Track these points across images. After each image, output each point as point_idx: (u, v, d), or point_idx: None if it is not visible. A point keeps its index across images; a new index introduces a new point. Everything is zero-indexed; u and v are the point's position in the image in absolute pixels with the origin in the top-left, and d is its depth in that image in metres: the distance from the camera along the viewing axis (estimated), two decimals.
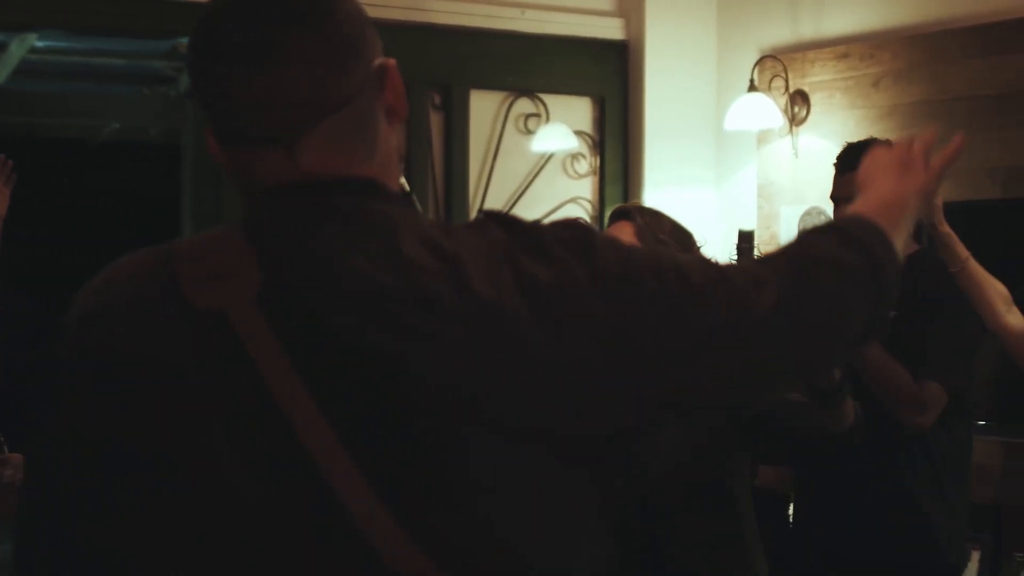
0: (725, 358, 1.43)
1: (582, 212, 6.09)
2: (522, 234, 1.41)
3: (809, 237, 1.58)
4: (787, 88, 5.83)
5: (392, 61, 1.51)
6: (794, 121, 5.80)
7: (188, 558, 1.37)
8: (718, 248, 4.56)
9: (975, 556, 4.28)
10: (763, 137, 5.93)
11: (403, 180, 1.55)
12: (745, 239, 3.48)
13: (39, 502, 1.45)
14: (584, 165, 6.21)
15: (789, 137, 5.79)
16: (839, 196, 3.87)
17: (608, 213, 3.86)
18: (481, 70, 5.95)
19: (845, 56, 5.64)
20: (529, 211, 5.75)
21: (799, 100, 5.80)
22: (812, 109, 5.75)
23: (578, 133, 6.09)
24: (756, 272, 1.47)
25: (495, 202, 5.89)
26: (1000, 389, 3.88)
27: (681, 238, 3.27)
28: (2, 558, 3.33)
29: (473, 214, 5.78)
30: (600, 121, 6.23)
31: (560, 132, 5.95)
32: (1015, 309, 3.60)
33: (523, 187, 6.00)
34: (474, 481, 1.34)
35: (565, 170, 6.15)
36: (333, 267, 1.36)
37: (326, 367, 1.34)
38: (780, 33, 5.97)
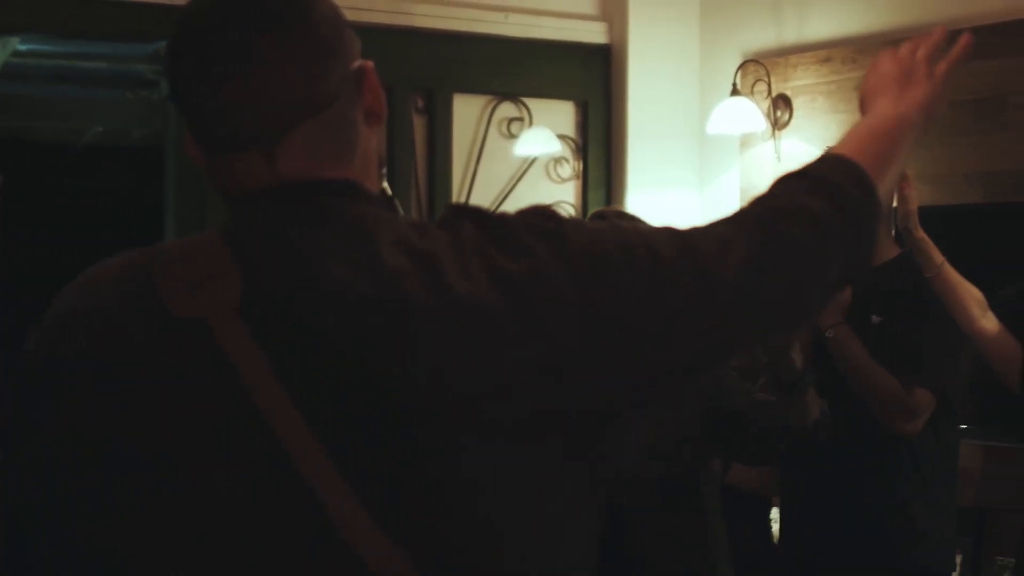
0: (700, 326, 1.42)
1: None
2: (492, 227, 1.40)
3: (778, 187, 1.56)
4: (770, 92, 5.84)
5: (370, 63, 1.50)
6: (777, 125, 5.81)
7: (183, 560, 1.37)
8: None
9: (957, 560, 4.29)
10: (746, 141, 5.94)
11: (386, 184, 1.55)
12: None
13: (33, 502, 1.44)
14: (567, 169, 6.21)
15: (772, 141, 5.80)
16: None
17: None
18: (464, 74, 5.95)
19: (827, 60, 5.66)
20: None
21: (782, 104, 5.81)
22: (795, 113, 5.77)
23: (561, 137, 6.09)
24: (722, 233, 1.46)
25: None
26: (980, 392, 3.89)
27: None
28: None
29: None
30: (583, 125, 6.23)
31: (543, 136, 5.95)
32: (990, 313, 3.61)
33: (506, 191, 6.00)
34: (460, 483, 1.34)
35: (548, 174, 6.16)
36: (312, 274, 1.36)
37: (308, 375, 1.34)
38: (763, 37, 5.99)
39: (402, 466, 1.32)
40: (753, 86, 5.91)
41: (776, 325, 1.57)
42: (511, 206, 5.90)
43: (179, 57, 1.45)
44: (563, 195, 6.13)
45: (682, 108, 6.21)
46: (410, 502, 1.33)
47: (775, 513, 4.88)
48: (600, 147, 6.23)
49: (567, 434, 1.38)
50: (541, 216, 1.43)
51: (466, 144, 5.99)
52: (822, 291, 1.53)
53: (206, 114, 1.44)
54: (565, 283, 1.37)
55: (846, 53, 5.57)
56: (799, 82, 5.76)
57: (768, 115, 5.80)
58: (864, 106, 1.74)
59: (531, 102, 6.10)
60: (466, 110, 5.99)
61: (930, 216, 4.00)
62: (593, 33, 6.22)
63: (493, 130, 6.04)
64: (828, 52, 5.66)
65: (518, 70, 6.05)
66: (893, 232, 3.92)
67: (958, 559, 4.31)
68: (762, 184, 6.05)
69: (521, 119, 6.09)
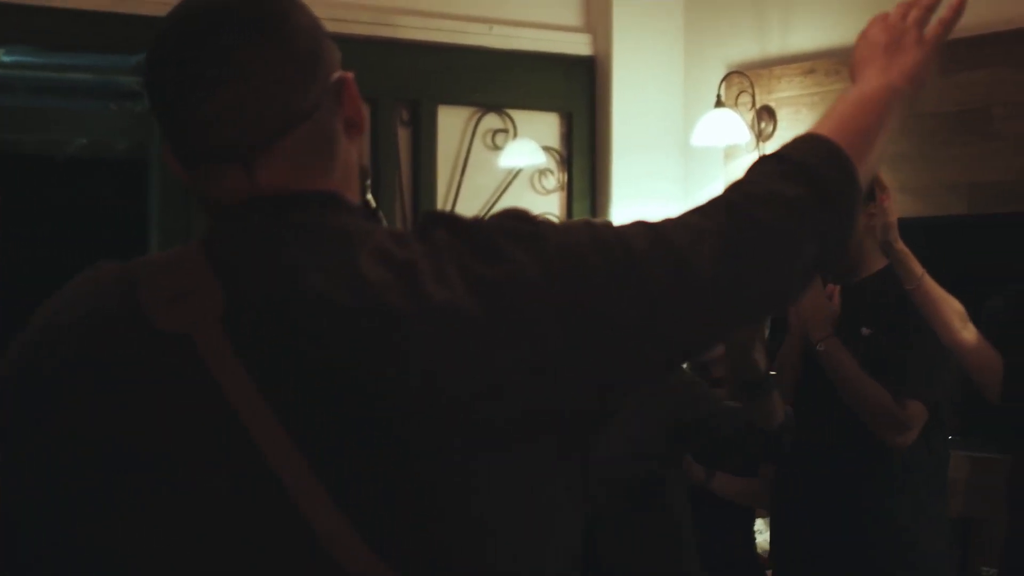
0: (678, 317, 1.42)
1: None
2: (467, 233, 1.40)
3: (752, 172, 1.55)
4: (754, 104, 5.85)
5: (350, 74, 1.49)
6: (761, 136, 5.82)
7: (181, 564, 1.36)
8: None
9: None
10: (730, 152, 5.95)
11: (370, 196, 1.54)
12: None
13: (30, 504, 1.43)
14: (552, 181, 6.21)
15: (756, 152, 5.80)
16: None
17: None
18: (449, 86, 5.95)
19: (811, 72, 5.67)
20: None
21: (766, 116, 5.82)
22: (779, 124, 5.78)
23: (546, 149, 6.10)
24: (695, 223, 1.45)
25: None
26: (965, 403, 3.90)
27: None
28: None
29: None
30: (568, 137, 6.24)
31: (528, 148, 5.96)
32: (970, 325, 3.62)
33: (491, 203, 6.00)
34: (450, 488, 1.33)
35: (533, 186, 6.16)
36: (293, 287, 1.35)
37: (292, 389, 1.33)
38: (747, 49, 6.00)
39: (387, 476, 1.32)
40: (737, 98, 5.92)
41: (754, 312, 1.56)
42: None
43: (158, 70, 1.44)
44: (548, 207, 6.13)
45: (666, 120, 6.22)
46: (398, 512, 1.32)
47: (759, 524, 4.88)
48: (585, 159, 6.24)
49: (559, 434, 1.38)
50: (516, 219, 1.43)
51: (451, 156, 5.99)
52: (799, 276, 1.52)
53: (185, 127, 1.43)
54: (542, 285, 1.36)
55: (830, 65, 5.58)
56: (783, 93, 5.78)
57: (752, 126, 5.81)
58: (854, 75, 1.71)
59: (516, 114, 6.11)
60: (451, 122, 6.00)
61: (915, 227, 4.01)
62: (577, 45, 6.23)
63: (478, 142, 6.05)
64: (812, 64, 5.67)
65: (503, 82, 6.06)
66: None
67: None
68: None
69: (506, 131, 6.09)
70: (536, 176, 6.17)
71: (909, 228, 3.91)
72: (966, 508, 4.70)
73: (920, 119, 5.14)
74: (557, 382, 1.36)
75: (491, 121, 6.08)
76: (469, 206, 5.93)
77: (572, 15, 6.27)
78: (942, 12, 1.76)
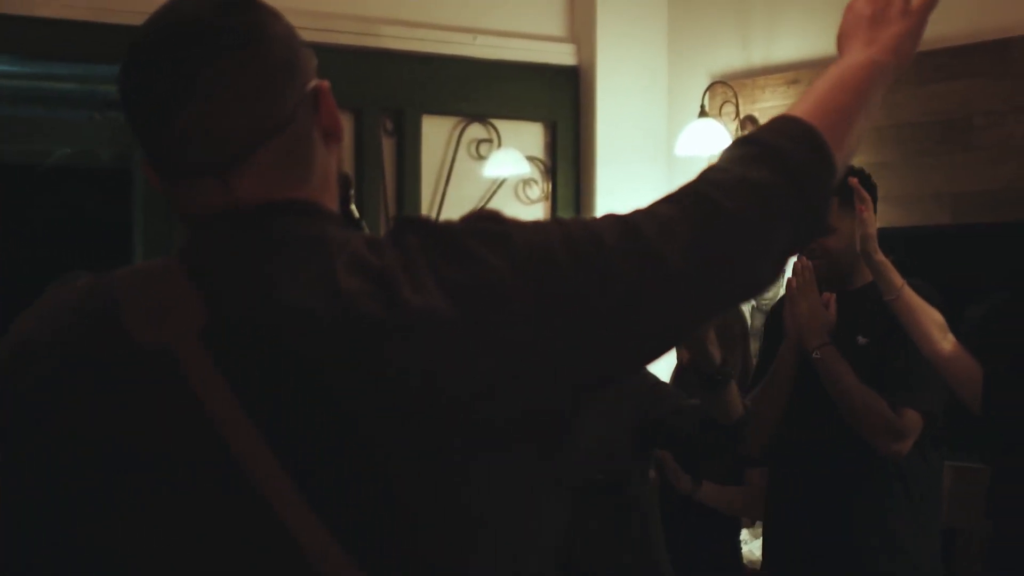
0: (648, 310, 1.41)
1: None
2: (438, 237, 1.40)
3: (723, 158, 1.54)
4: (737, 113, 5.86)
5: (325, 83, 1.48)
6: None
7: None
8: None
9: None
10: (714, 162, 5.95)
11: (353, 207, 1.54)
12: None
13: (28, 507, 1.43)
14: (536, 190, 6.22)
15: None
16: None
17: None
18: (433, 95, 5.95)
19: (795, 82, 5.68)
20: None
21: (749, 125, 5.83)
22: None
23: (530, 158, 6.10)
24: (664, 213, 1.44)
25: None
26: (949, 414, 3.90)
27: None
28: None
29: None
30: (552, 146, 6.25)
31: (512, 157, 5.96)
32: (950, 336, 3.62)
33: None
34: (429, 502, 1.33)
35: (517, 195, 6.17)
36: (272, 298, 1.34)
37: (273, 403, 1.32)
38: (730, 59, 6.01)
39: (369, 486, 1.32)
40: (721, 107, 5.93)
41: (728, 300, 1.52)
42: None
43: (131, 83, 1.43)
44: (532, 216, 6.10)
45: (650, 129, 6.23)
46: (379, 523, 1.32)
47: (744, 534, 4.89)
48: (569, 168, 6.24)
49: (539, 434, 1.38)
50: (485, 220, 1.43)
51: (435, 165, 5.99)
52: (772, 262, 1.50)
53: (160, 141, 1.42)
54: (513, 284, 1.36)
55: (813, 74, 5.58)
56: (767, 103, 5.79)
57: (736, 136, 5.82)
58: (840, 49, 1.68)
59: (500, 123, 6.11)
60: (435, 131, 6.00)
61: (897, 237, 4.02)
62: (562, 54, 6.23)
63: (462, 151, 6.05)
64: (795, 74, 5.68)
65: (487, 91, 6.06)
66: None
67: None
68: None
69: (490, 140, 6.09)
70: (520, 186, 6.17)
71: (892, 238, 3.92)
72: (951, 518, 4.71)
73: (902, 129, 5.16)
74: (535, 381, 1.36)
75: (475, 131, 6.08)
76: (454, 216, 5.88)
77: (556, 25, 6.28)
78: None
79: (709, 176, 1.50)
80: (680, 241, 1.41)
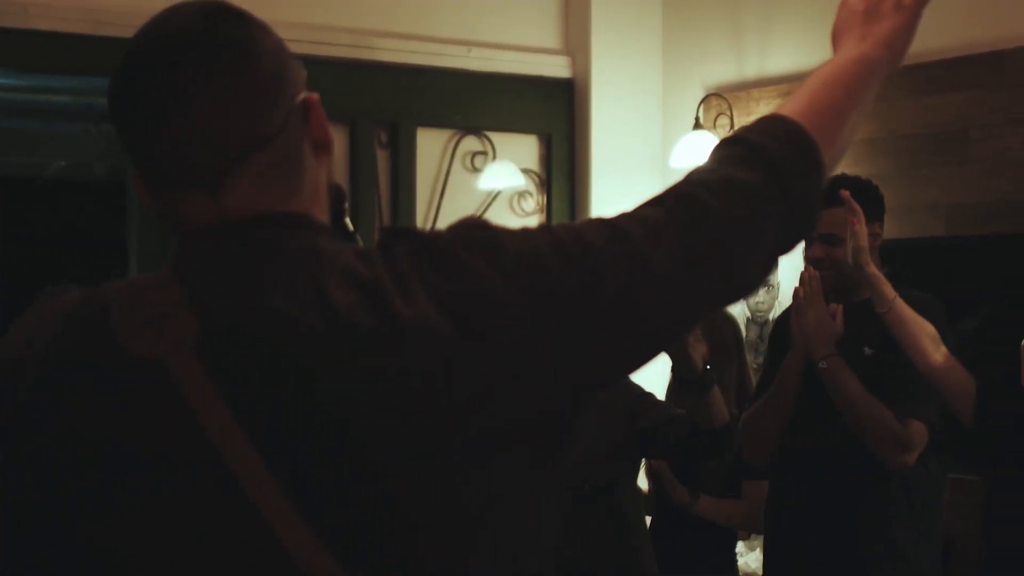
0: (637, 313, 1.40)
1: None
2: (426, 248, 1.39)
3: (711, 159, 1.53)
4: (732, 126, 5.87)
5: (315, 95, 1.48)
6: None
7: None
8: None
9: None
10: None
11: (348, 219, 1.54)
12: None
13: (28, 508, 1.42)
14: (531, 203, 6.22)
15: None
16: (820, 232, 3.90)
17: None
18: (428, 108, 5.96)
19: (789, 94, 5.65)
20: None
21: None
22: None
23: (525, 171, 6.10)
24: (651, 216, 1.44)
25: None
26: (943, 425, 3.90)
27: None
28: None
29: None
30: (547, 159, 6.25)
31: (507, 170, 5.96)
32: (943, 348, 3.63)
33: None
34: (423, 512, 1.33)
35: (512, 208, 6.17)
36: (263, 311, 1.34)
37: (266, 417, 1.32)
38: (725, 71, 6.02)
39: (362, 497, 1.32)
40: (716, 119, 5.93)
41: (716, 301, 1.52)
42: None
43: (120, 97, 1.43)
44: None
45: (645, 142, 6.24)
46: (372, 533, 1.32)
47: (740, 546, 4.89)
48: (564, 181, 6.24)
49: (534, 440, 1.38)
50: (473, 229, 1.42)
51: (430, 178, 6.00)
52: (760, 262, 1.50)
53: (149, 155, 1.42)
54: (505, 290, 1.36)
55: None
56: (761, 115, 5.79)
57: None
58: (834, 46, 1.67)
59: (495, 136, 6.12)
60: (430, 144, 6.00)
61: (892, 249, 4.02)
62: (556, 67, 6.24)
63: (457, 164, 6.05)
64: (789, 86, 5.69)
65: (481, 104, 6.06)
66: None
67: None
68: None
69: (485, 153, 6.10)
70: (515, 198, 6.17)
71: (886, 249, 3.92)
72: (946, 529, 4.71)
73: (897, 141, 5.16)
74: (534, 382, 1.36)
75: (470, 143, 6.08)
76: None
77: (551, 37, 6.28)
78: None
79: (695, 177, 1.50)
80: (667, 242, 1.41)
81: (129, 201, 5.94)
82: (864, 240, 3.65)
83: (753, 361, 5.17)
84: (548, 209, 6.22)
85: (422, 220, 5.92)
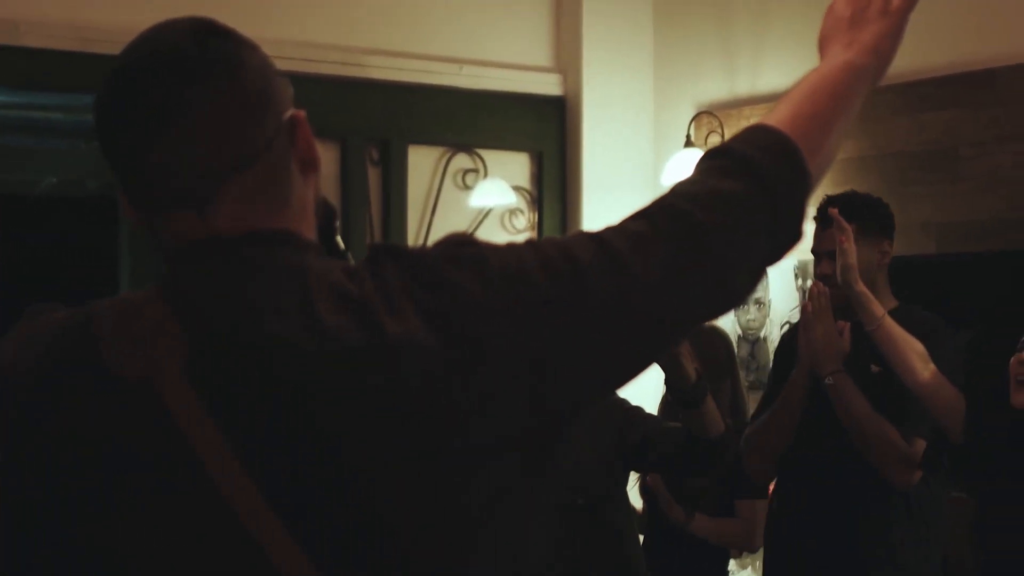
0: (624, 327, 1.40)
1: None
2: (413, 265, 1.39)
3: (696, 170, 1.52)
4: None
5: (301, 112, 1.47)
6: None
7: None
8: None
9: None
10: None
11: (339, 238, 1.54)
12: None
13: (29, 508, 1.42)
14: (522, 220, 6.22)
15: None
16: (820, 250, 3.90)
17: None
18: (419, 125, 5.96)
19: None
20: None
21: None
22: None
23: (516, 188, 6.11)
24: (636, 229, 1.43)
25: None
26: (936, 443, 3.90)
27: None
28: None
29: None
30: (538, 176, 6.26)
31: (498, 187, 5.96)
32: (931, 366, 3.63)
33: None
34: (415, 533, 1.32)
35: (503, 225, 6.17)
36: (251, 330, 1.34)
37: (256, 437, 1.32)
38: (716, 89, 6.03)
39: (353, 517, 1.31)
40: (707, 137, 5.94)
41: (703, 314, 1.51)
42: None
43: (105, 116, 1.42)
44: None
45: (636, 159, 6.24)
46: (361, 553, 1.32)
47: (732, 564, 4.88)
48: (555, 198, 6.25)
49: (523, 453, 1.37)
50: (459, 244, 1.42)
51: (421, 195, 6.00)
52: (746, 272, 1.49)
53: (135, 174, 1.41)
54: (490, 306, 1.36)
55: None
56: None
57: None
58: (820, 53, 1.66)
59: (486, 153, 6.12)
60: (421, 161, 6.00)
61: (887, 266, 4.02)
62: (547, 85, 6.25)
63: (448, 181, 6.05)
64: None
65: (473, 121, 6.07)
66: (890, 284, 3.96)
67: None
68: None
69: (476, 170, 6.10)
70: (507, 216, 6.18)
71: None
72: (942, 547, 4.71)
73: (888, 158, 5.17)
74: (518, 400, 1.36)
75: (461, 161, 6.09)
76: None
77: (542, 55, 6.29)
78: None
79: (680, 189, 1.50)
80: (652, 256, 1.41)
81: (121, 217, 5.93)
82: (852, 257, 3.66)
83: (745, 378, 5.17)
84: (539, 227, 6.22)
85: (414, 237, 5.92)
